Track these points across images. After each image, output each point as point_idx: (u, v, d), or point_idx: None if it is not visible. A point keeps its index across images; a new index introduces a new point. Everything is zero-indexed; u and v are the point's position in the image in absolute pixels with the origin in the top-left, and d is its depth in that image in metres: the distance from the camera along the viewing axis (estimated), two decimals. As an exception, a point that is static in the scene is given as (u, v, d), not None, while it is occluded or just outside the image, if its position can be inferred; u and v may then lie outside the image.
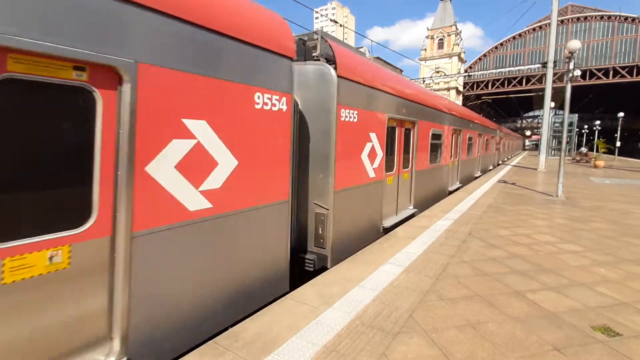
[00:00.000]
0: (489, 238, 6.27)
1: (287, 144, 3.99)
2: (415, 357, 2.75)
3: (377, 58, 8.43)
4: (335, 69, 4.74)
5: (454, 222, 7.42)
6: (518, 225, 7.27)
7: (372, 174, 5.96)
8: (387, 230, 6.65)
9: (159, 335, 2.72)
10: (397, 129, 7.17)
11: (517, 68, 46.41)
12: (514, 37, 70.02)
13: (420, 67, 64.42)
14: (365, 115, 5.59)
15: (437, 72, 57.38)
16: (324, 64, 4.82)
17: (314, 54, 5.07)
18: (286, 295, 3.79)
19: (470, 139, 14.75)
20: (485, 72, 61.19)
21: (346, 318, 3.32)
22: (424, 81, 37.65)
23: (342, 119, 4.94)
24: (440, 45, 67.81)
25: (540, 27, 66.51)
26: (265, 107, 3.62)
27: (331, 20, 21.11)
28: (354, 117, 5.24)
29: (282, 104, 3.84)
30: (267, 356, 2.69)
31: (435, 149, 9.75)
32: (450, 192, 11.85)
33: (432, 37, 68.43)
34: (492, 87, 64.97)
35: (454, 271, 4.62)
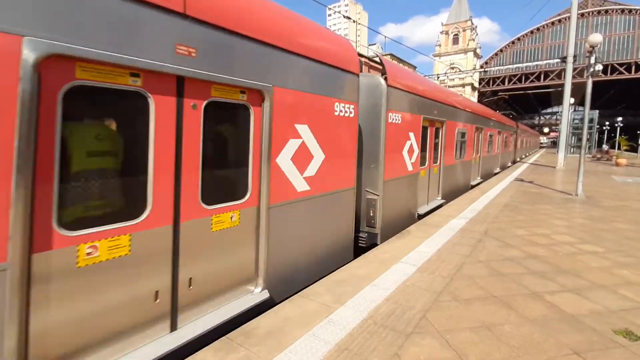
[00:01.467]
0: (506, 238, 6.14)
1: (355, 142, 5.04)
2: (428, 358, 2.72)
3: (391, 55, 8.50)
4: (385, 79, 5.80)
5: (469, 220, 7.30)
6: (536, 225, 7.09)
7: (410, 168, 7.09)
8: (420, 217, 7.65)
9: (283, 275, 3.91)
10: (429, 129, 8.13)
11: (535, 63, 45.26)
12: (531, 32, 68.25)
13: (435, 63, 63.52)
14: (406, 117, 6.65)
15: (452, 68, 56.41)
16: (376, 76, 5.84)
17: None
18: (298, 293, 3.79)
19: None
20: (501, 67, 59.79)
21: (358, 317, 3.30)
22: (438, 77, 37.06)
23: (389, 120, 5.96)
24: (455, 40, 66.65)
25: (559, 20, 64.64)
26: (341, 114, 4.70)
27: (344, 16, 21.00)
28: (399, 119, 6.32)
29: (351, 111, 4.89)
30: (280, 353, 2.70)
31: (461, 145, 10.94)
32: (473, 186, 12.79)
33: (446, 33, 67.32)
34: (508, 83, 63.44)
35: (469, 271, 4.54)
